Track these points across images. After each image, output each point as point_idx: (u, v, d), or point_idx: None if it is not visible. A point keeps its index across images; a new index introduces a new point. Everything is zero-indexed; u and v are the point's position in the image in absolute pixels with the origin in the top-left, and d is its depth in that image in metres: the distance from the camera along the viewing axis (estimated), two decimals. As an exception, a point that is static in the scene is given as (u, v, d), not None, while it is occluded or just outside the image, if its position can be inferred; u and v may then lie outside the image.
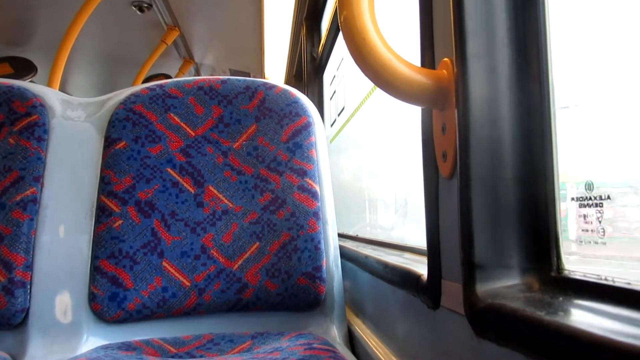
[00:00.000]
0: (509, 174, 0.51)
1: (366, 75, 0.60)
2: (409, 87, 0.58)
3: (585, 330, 0.32)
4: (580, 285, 0.43)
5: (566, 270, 0.46)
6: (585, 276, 0.43)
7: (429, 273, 0.62)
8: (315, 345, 0.85)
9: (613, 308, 0.37)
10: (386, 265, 0.84)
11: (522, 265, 0.49)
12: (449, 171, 0.57)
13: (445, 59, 0.57)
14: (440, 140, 0.60)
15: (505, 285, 0.48)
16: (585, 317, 0.37)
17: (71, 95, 1.18)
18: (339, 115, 2.00)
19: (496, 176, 0.51)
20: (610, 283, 0.39)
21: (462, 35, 0.53)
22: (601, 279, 0.41)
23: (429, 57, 0.63)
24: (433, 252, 0.61)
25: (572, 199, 0.46)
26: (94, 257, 1.01)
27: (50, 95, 1.13)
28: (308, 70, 2.38)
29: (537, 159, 0.51)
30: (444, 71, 0.57)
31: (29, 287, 0.98)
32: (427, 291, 0.62)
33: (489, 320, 0.45)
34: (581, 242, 0.44)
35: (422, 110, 0.66)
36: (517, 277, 0.49)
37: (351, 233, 1.65)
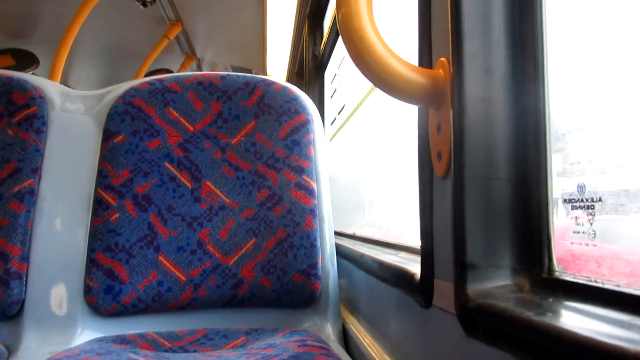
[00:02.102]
0: (503, 175, 0.51)
1: (363, 73, 0.60)
2: (406, 86, 0.58)
3: (571, 331, 0.32)
4: (571, 287, 0.43)
5: (557, 271, 0.46)
6: (575, 278, 0.43)
7: (422, 272, 0.62)
8: (308, 342, 0.85)
9: (601, 310, 0.37)
10: (381, 264, 0.84)
11: (514, 266, 0.49)
12: (444, 171, 0.57)
13: (442, 58, 0.57)
14: (435, 140, 0.60)
15: (496, 286, 0.49)
16: (573, 319, 0.37)
17: (73, 88, 1.19)
18: (339, 113, 2.00)
19: (489, 177, 0.51)
20: (600, 285, 0.40)
21: (459, 35, 0.53)
22: (591, 280, 0.41)
23: (426, 57, 0.63)
24: (426, 252, 0.61)
25: (565, 200, 0.46)
26: (90, 249, 1.01)
27: (50, 88, 1.13)
28: (310, 68, 2.38)
29: (530, 160, 0.51)
30: (441, 71, 0.57)
31: (24, 278, 0.98)
32: (420, 290, 0.62)
33: (478, 320, 0.45)
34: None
35: (419, 109, 0.66)
36: (508, 277, 0.49)
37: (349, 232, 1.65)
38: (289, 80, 3.33)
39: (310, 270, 1.04)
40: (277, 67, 3.73)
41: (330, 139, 2.18)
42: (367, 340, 0.92)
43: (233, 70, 3.93)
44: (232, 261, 1.04)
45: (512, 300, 0.45)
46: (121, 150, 1.07)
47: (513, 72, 0.52)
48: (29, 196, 1.02)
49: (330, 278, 1.08)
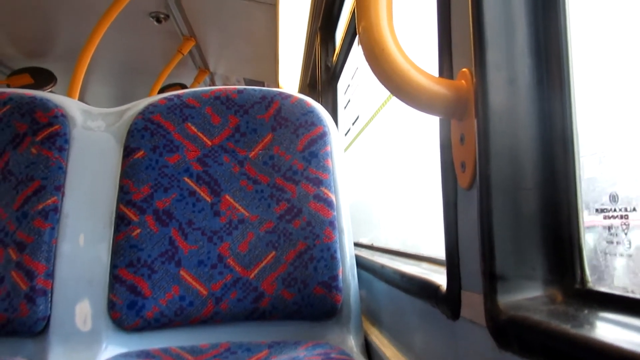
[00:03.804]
0: (530, 184, 0.51)
1: (384, 85, 0.60)
2: (427, 97, 0.58)
3: (613, 344, 0.32)
4: (606, 298, 0.42)
5: (590, 282, 0.46)
6: (610, 289, 0.43)
7: (448, 283, 0.62)
8: (332, 355, 0.85)
9: (641, 322, 0.37)
10: (403, 275, 0.83)
11: (545, 277, 0.49)
12: (468, 182, 0.57)
13: (464, 69, 0.57)
14: (458, 151, 0.60)
15: (528, 297, 0.48)
16: (612, 331, 0.36)
17: (89, 104, 1.21)
18: (353, 124, 2.00)
19: (517, 186, 0.51)
20: (637, 296, 0.39)
21: (482, 45, 0.53)
22: (627, 291, 0.40)
23: (447, 68, 0.63)
24: (452, 263, 0.61)
25: (597, 210, 0.45)
26: (113, 265, 1.02)
27: (71, 106, 1.15)
28: (322, 79, 2.39)
29: (558, 168, 0.51)
30: (463, 81, 0.57)
31: (50, 295, 0.99)
32: (447, 302, 0.62)
33: (511, 333, 0.45)
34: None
35: (440, 120, 0.65)
36: (539, 288, 0.48)
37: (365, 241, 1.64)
38: (301, 91, 3.34)
39: (331, 282, 1.04)
40: (289, 79, 3.75)
41: (345, 150, 2.18)
42: (390, 353, 0.91)
43: (245, 83, 3.97)
44: (252, 274, 1.05)
45: (545, 312, 0.44)
46: (141, 166, 1.08)
47: (538, 80, 0.52)
48: (53, 213, 1.03)
49: (351, 290, 1.08)
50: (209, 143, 1.13)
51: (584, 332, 0.36)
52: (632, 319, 0.38)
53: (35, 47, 3.29)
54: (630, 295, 0.39)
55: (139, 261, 1.02)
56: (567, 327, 0.37)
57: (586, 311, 0.42)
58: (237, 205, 1.09)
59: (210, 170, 1.11)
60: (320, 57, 2.39)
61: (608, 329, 0.37)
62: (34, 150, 1.07)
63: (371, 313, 1.15)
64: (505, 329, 0.46)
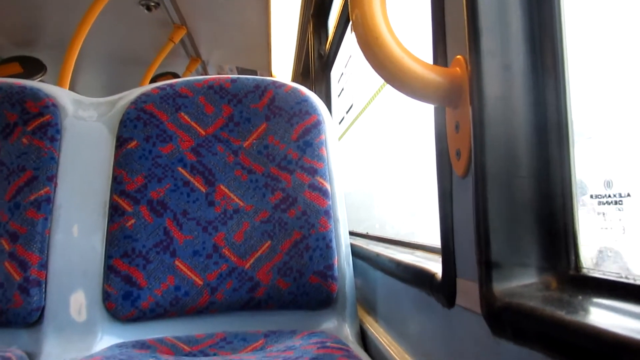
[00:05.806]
0: (525, 172, 0.51)
1: (378, 73, 0.60)
2: (422, 85, 0.58)
3: (608, 330, 0.32)
4: (600, 284, 0.43)
5: (585, 268, 0.46)
6: (604, 274, 0.43)
7: (444, 271, 0.62)
8: (328, 344, 0.85)
9: (635, 307, 0.37)
10: (399, 264, 0.84)
11: (540, 264, 0.49)
12: (463, 170, 0.57)
13: (459, 56, 0.57)
14: (453, 139, 0.59)
15: (523, 284, 0.48)
16: (607, 316, 0.36)
17: (80, 94, 1.19)
18: (347, 112, 1.99)
19: (512, 174, 0.51)
20: (631, 281, 0.39)
21: (476, 32, 0.52)
22: (621, 277, 0.40)
23: (441, 55, 0.62)
24: (447, 251, 0.61)
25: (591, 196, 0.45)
26: (108, 256, 1.02)
27: (63, 95, 1.14)
28: (315, 67, 2.37)
29: (553, 156, 0.51)
30: (457, 69, 0.57)
31: (44, 286, 0.99)
32: (442, 290, 0.62)
33: (506, 320, 0.45)
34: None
35: (435, 108, 0.65)
36: (534, 275, 0.49)
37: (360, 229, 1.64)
38: (294, 80, 3.33)
39: (327, 271, 1.04)
40: (282, 68, 3.73)
41: (339, 139, 2.18)
42: (386, 341, 0.92)
43: (238, 72, 3.94)
44: (248, 264, 1.05)
45: (540, 298, 0.45)
46: (135, 156, 1.08)
47: (532, 67, 0.52)
48: (46, 204, 1.03)
49: (346, 279, 1.08)
50: (203, 133, 1.12)
51: (579, 318, 0.36)
52: (627, 304, 0.38)
53: (25, 36, 3.24)
54: (625, 280, 0.40)
55: (133, 251, 1.02)
56: (562, 314, 0.37)
57: (580, 297, 0.42)
58: (231, 195, 1.09)
59: (204, 160, 1.10)
60: (313, 45, 2.38)
61: (602, 315, 0.37)
62: (25, 141, 1.06)
63: (366, 302, 1.15)
64: (500, 316, 0.46)
